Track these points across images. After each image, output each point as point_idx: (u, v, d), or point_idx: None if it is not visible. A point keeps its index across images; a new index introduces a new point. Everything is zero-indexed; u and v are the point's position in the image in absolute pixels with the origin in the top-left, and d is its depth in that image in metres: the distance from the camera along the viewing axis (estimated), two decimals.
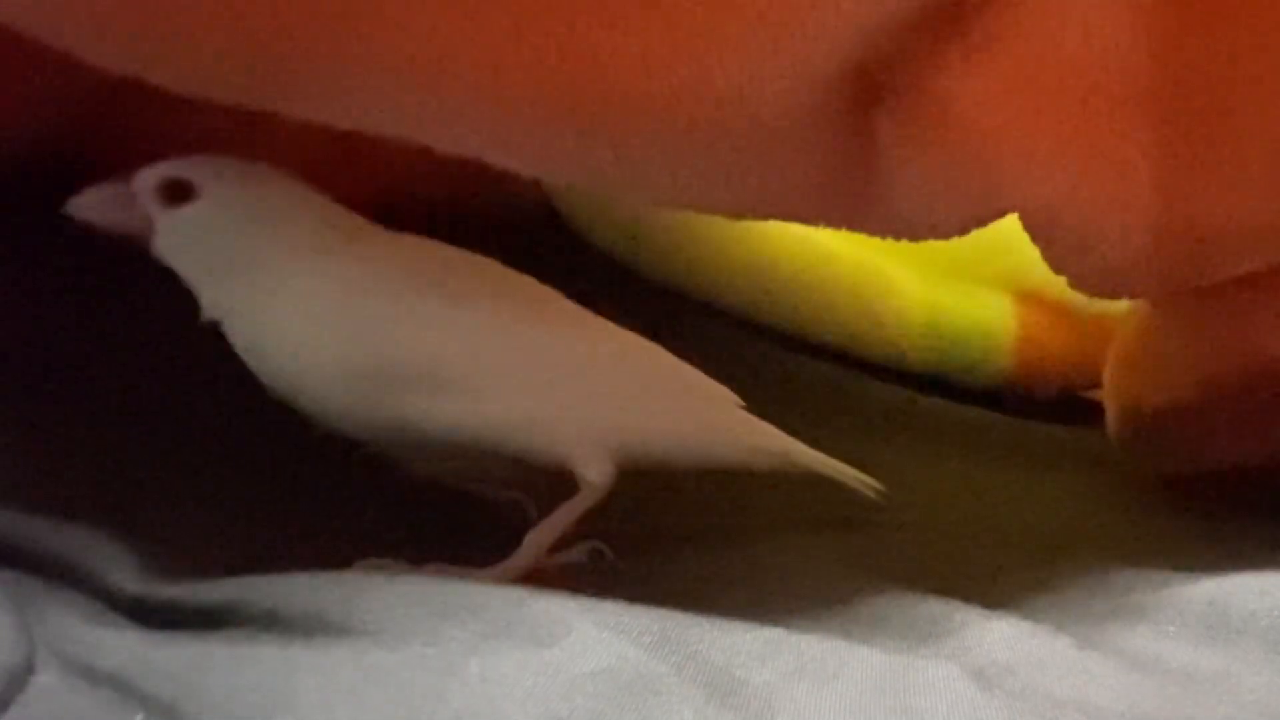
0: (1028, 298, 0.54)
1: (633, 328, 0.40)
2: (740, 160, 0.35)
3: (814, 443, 0.41)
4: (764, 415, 0.47)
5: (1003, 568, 0.40)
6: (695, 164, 0.35)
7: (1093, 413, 0.50)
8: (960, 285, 0.55)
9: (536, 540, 0.36)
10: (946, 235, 0.38)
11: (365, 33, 0.32)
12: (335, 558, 0.36)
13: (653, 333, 0.49)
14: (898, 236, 0.39)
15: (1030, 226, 0.37)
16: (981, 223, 0.38)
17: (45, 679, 0.32)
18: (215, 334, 0.39)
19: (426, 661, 0.30)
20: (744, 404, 0.40)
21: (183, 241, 0.38)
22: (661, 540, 0.41)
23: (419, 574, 0.35)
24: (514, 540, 0.37)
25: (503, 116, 0.34)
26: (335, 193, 0.39)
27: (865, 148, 0.36)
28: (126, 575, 0.35)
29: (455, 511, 0.41)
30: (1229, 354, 0.43)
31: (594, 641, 0.30)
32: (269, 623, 0.33)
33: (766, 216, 0.42)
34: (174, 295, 0.39)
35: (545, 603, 0.32)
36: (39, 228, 0.41)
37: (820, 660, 0.31)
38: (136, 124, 0.42)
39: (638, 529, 0.41)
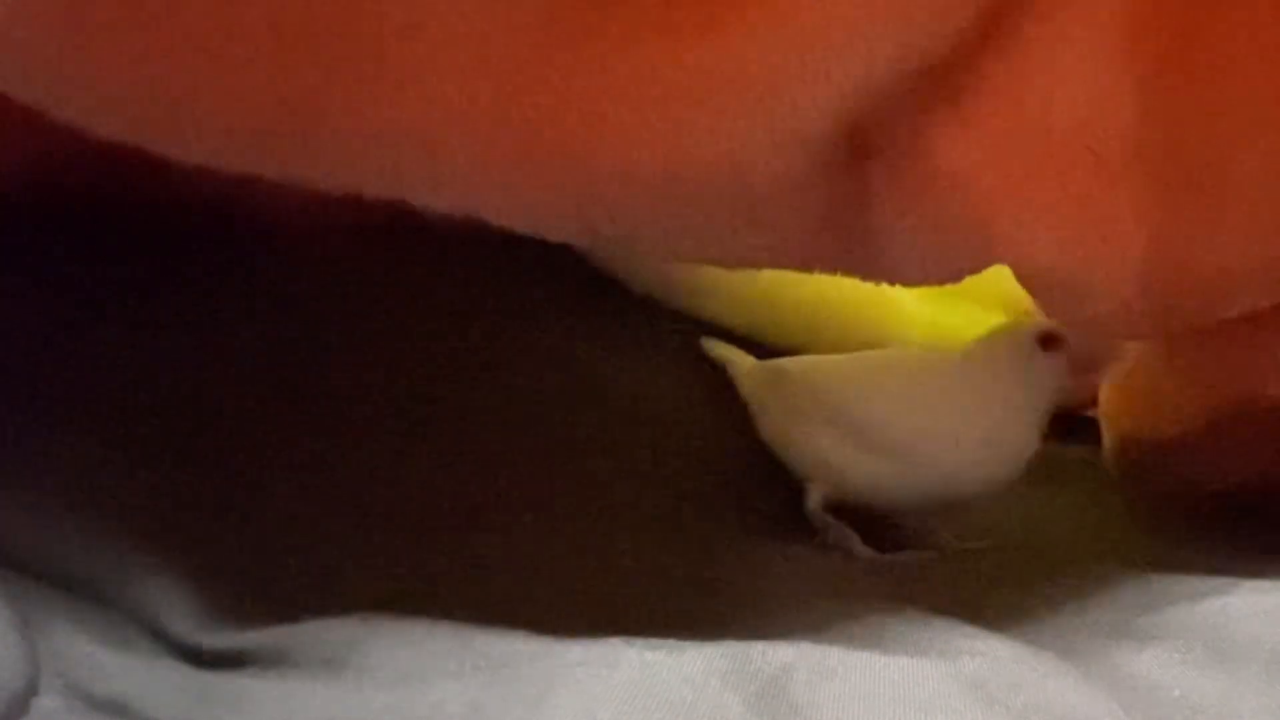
0: (1027, 318, 0.54)
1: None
2: (733, 219, 0.36)
3: None
4: None
5: (1006, 586, 0.40)
6: (688, 224, 0.36)
7: (1092, 432, 0.50)
8: (960, 306, 0.55)
9: None
10: (940, 283, 0.39)
11: (366, 108, 0.33)
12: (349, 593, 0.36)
13: (659, 354, 0.50)
14: (891, 282, 0.40)
15: (1022, 278, 0.38)
16: (974, 272, 0.38)
17: (48, 702, 0.32)
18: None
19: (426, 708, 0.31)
20: None
21: None
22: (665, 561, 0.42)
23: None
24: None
25: (499, 183, 0.34)
26: (342, 209, 0.39)
27: (858, 202, 0.36)
28: (160, 608, 0.36)
29: (465, 541, 0.41)
30: (1224, 390, 0.43)
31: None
32: (276, 661, 0.33)
33: (761, 266, 0.42)
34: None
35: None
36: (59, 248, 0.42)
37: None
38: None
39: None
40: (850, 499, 0.46)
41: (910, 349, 0.48)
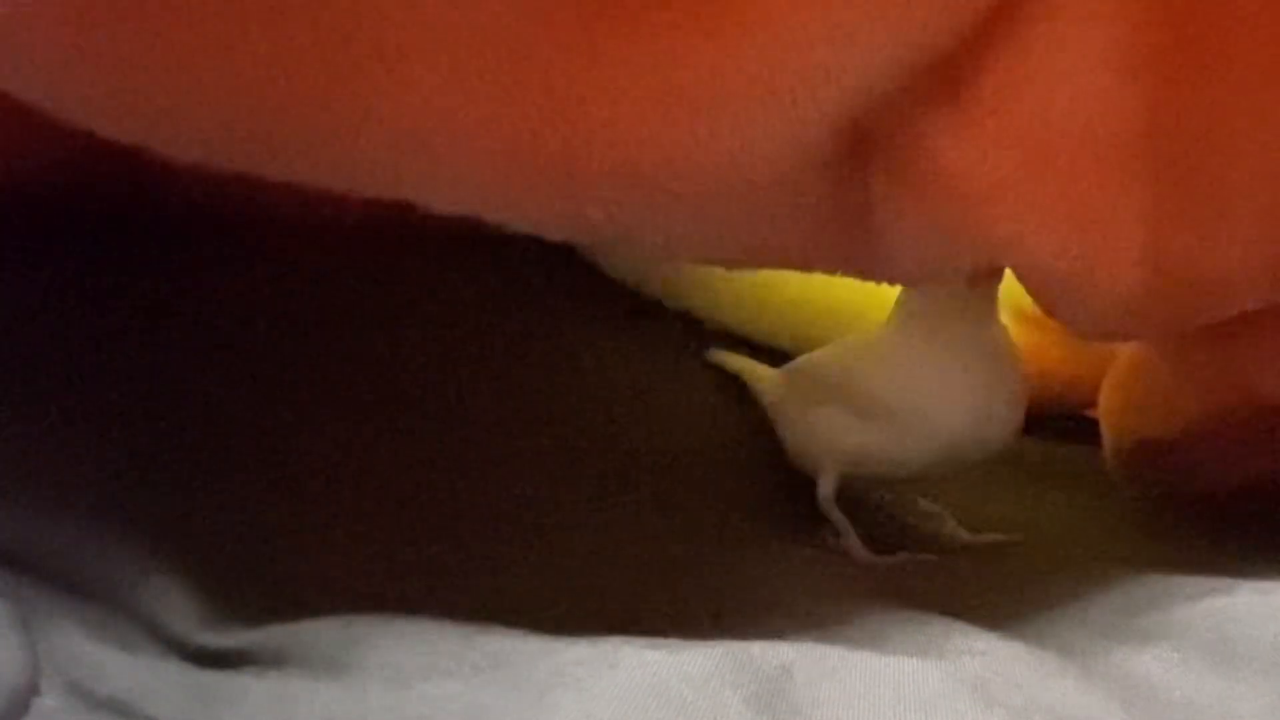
0: (1028, 318, 0.54)
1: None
2: (734, 218, 0.36)
3: None
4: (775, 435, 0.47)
5: (1006, 586, 0.41)
6: (688, 223, 0.36)
7: (1093, 431, 0.50)
8: None
9: None
10: (941, 283, 0.39)
11: (363, 106, 0.32)
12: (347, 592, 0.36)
13: (659, 354, 0.50)
14: (892, 282, 0.40)
15: (1023, 278, 0.38)
16: (974, 272, 0.38)
17: (49, 701, 0.32)
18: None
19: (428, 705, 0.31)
20: None
21: None
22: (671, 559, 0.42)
23: None
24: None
25: (498, 182, 0.34)
26: (342, 209, 0.39)
27: (859, 201, 0.36)
28: (158, 606, 0.36)
29: (465, 540, 0.41)
30: (1223, 391, 0.43)
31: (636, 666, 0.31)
32: (276, 661, 0.33)
33: (762, 266, 0.42)
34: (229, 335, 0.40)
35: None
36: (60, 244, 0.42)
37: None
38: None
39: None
40: (870, 473, 0.47)
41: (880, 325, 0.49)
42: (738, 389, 0.52)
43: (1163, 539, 0.46)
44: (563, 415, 0.49)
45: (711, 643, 0.33)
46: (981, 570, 0.43)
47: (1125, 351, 0.48)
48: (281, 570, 0.38)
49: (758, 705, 0.31)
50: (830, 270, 0.39)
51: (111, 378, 0.44)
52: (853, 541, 0.45)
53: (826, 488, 0.47)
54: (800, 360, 0.51)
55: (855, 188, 0.36)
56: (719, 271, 0.57)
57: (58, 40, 0.32)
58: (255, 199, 0.44)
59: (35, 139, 0.40)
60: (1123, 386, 0.48)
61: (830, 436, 0.47)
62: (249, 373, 0.46)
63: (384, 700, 0.32)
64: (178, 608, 0.36)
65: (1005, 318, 0.55)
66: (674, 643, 0.33)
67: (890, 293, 0.46)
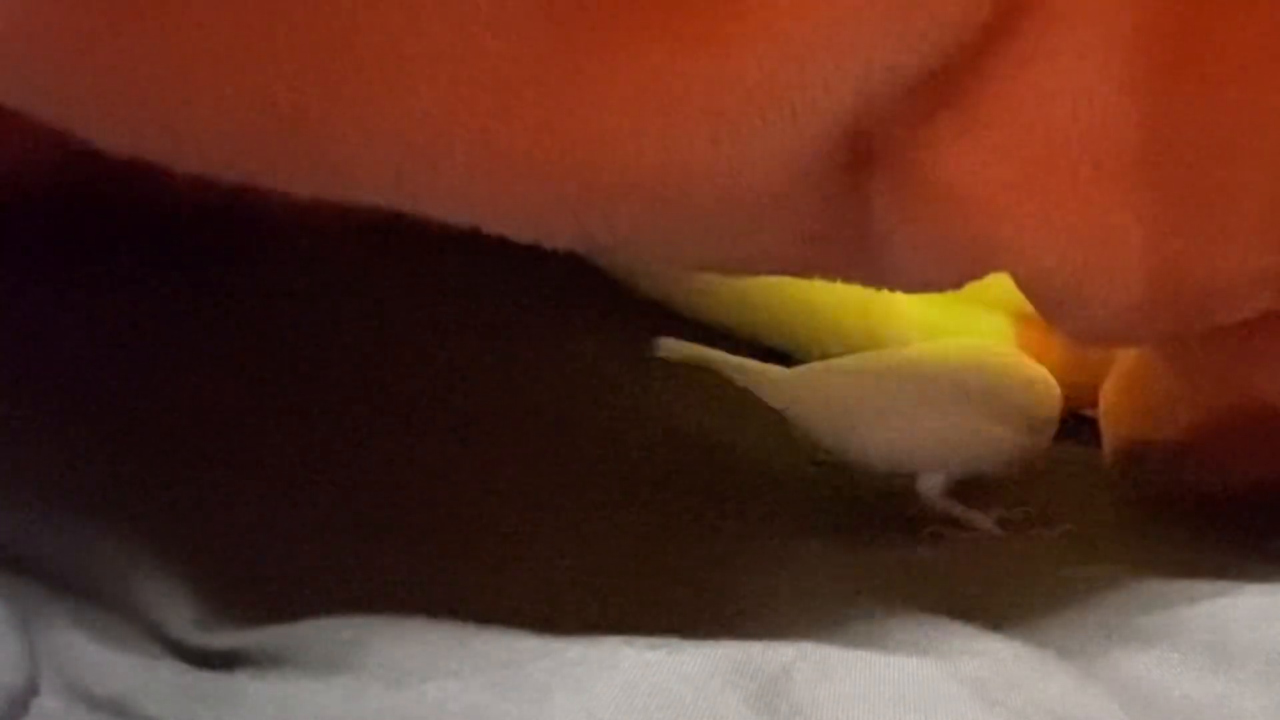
0: (1026, 319, 0.54)
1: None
2: (733, 226, 0.36)
3: None
4: (774, 433, 0.47)
5: (1006, 586, 0.41)
6: (687, 231, 0.36)
7: (1092, 432, 0.50)
8: (959, 307, 0.55)
9: None
10: (940, 289, 0.39)
11: (363, 118, 0.33)
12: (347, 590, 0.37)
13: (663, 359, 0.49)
14: (892, 289, 0.40)
15: (1023, 286, 0.38)
16: (975, 279, 0.38)
17: (49, 702, 0.32)
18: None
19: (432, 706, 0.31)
20: None
21: None
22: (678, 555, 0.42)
23: None
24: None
25: (496, 192, 0.34)
26: (342, 210, 0.40)
27: (858, 209, 0.36)
28: (158, 606, 0.36)
29: (465, 540, 0.41)
30: (1223, 393, 0.43)
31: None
32: (275, 661, 0.33)
33: (761, 273, 0.42)
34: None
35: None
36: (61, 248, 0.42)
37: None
38: None
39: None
40: (975, 473, 0.47)
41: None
42: (739, 391, 0.52)
43: (1163, 539, 0.45)
44: (564, 417, 0.50)
45: (711, 643, 0.33)
46: (982, 570, 0.43)
47: (1126, 353, 0.48)
48: (281, 570, 0.38)
49: (758, 705, 0.31)
50: (830, 277, 0.39)
51: (111, 378, 0.44)
52: (977, 518, 0.46)
53: (933, 481, 0.47)
54: (874, 359, 0.50)
55: (856, 196, 0.36)
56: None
57: (56, 54, 0.32)
58: (257, 200, 0.44)
59: (36, 140, 0.40)
60: (1123, 388, 0.48)
61: (941, 436, 0.47)
62: (249, 373, 0.46)
63: (384, 700, 0.32)
64: (177, 608, 0.36)
65: (1005, 320, 0.55)
66: (674, 643, 0.33)
67: (890, 295, 0.46)
